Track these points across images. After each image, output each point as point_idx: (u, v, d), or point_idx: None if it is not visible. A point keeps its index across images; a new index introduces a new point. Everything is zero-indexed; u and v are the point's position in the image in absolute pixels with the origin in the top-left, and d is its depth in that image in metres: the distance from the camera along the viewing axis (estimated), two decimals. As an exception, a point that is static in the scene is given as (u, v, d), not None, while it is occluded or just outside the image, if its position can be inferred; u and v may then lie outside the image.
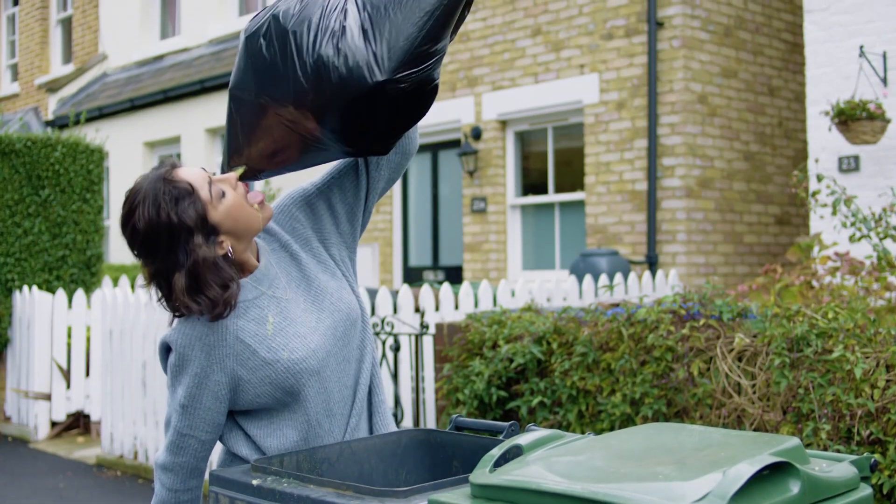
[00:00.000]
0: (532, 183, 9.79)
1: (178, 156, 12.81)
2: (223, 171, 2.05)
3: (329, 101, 1.88)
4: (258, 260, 2.03)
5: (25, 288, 8.26)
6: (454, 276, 10.22)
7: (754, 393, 3.74)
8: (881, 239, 5.37)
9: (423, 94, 1.90)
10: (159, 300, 1.94)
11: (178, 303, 1.90)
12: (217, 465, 2.10)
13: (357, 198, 2.14)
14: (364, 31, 1.86)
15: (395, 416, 5.42)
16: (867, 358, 3.47)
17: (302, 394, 1.97)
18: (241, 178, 2.01)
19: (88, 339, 7.84)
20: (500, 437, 1.99)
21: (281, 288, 2.01)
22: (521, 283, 6.44)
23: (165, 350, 1.99)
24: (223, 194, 1.93)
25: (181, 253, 1.87)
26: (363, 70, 1.83)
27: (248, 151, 2.01)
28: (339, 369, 2.03)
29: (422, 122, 10.27)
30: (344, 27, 1.87)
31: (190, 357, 1.93)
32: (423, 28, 1.84)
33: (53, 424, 7.86)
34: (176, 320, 1.98)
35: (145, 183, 1.90)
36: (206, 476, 1.98)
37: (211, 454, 2.06)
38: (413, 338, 5.49)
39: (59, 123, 13.85)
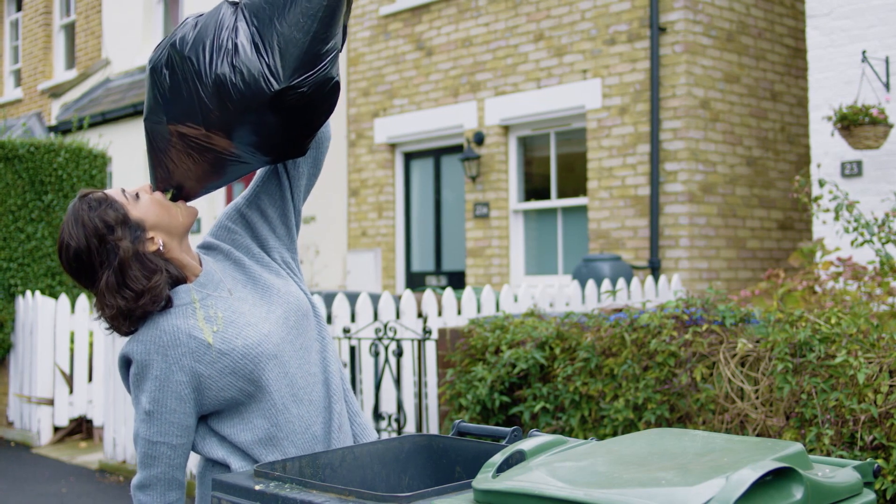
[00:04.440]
0: (535, 188, 9.79)
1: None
2: None
3: (235, 118, 1.96)
4: (201, 268, 2.11)
5: (28, 293, 8.27)
6: (457, 281, 10.23)
7: (757, 398, 3.73)
8: (884, 244, 5.36)
9: (324, 94, 1.97)
10: (108, 328, 2.01)
11: (105, 304, 1.96)
12: (196, 474, 2.12)
13: (284, 199, 2.22)
14: (255, 46, 1.94)
15: (398, 421, 5.42)
16: (870, 363, 3.46)
17: (264, 378, 2.01)
18: (171, 201, 2.09)
19: (91, 345, 7.84)
20: (503, 443, 1.99)
21: (226, 289, 2.08)
22: (524, 288, 6.43)
23: (125, 364, 2.03)
24: (137, 195, 2.05)
25: (111, 254, 1.96)
26: (260, 82, 1.91)
27: (173, 176, 2.08)
28: (297, 356, 2.08)
29: (424, 127, 10.22)
30: (237, 44, 1.94)
31: (149, 362, 1.97)
32: (310, 32, 1.92)
33: (56, 430, 7.86)
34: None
35: (67, 212, 2.03)
36: (213, 484, 1.96)
37: (186, 466, 2.06)
38: (416, 343, 5.49)
39: (62, 129, 13.87)
